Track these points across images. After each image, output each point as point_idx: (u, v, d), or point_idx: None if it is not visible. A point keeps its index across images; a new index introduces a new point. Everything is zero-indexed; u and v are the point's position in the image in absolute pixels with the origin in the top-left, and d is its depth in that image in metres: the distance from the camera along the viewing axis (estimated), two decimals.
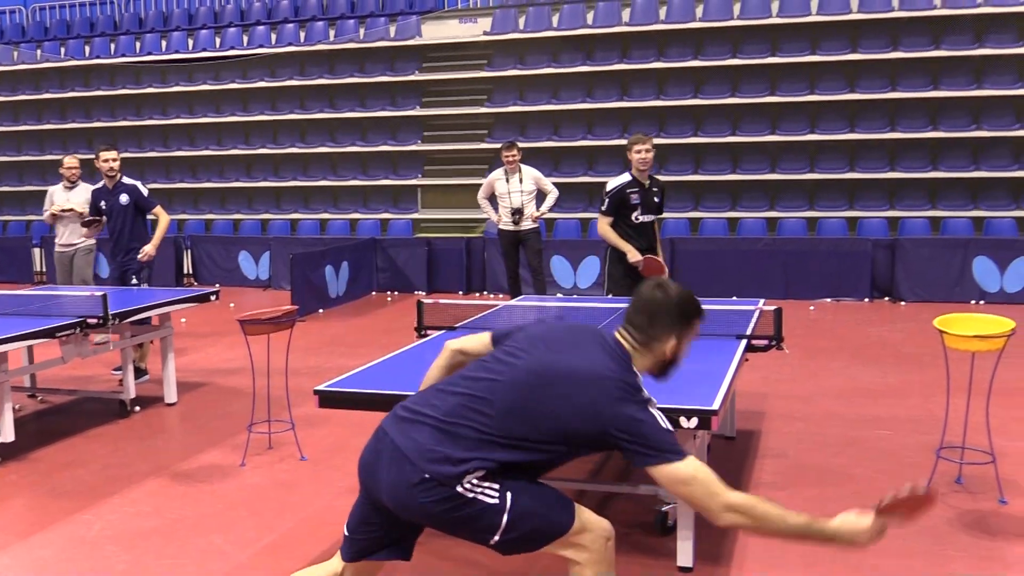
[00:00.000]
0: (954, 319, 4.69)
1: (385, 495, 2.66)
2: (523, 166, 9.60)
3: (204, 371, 7.96)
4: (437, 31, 14.73)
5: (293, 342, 5.80)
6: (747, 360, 4.61)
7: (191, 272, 13.67)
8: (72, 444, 5.94)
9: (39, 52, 16.59)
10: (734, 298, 8.78)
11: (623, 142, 8.59)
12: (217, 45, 15.79)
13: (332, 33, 15.30)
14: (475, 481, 2.58)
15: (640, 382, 2.71)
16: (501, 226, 9.70)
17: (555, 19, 14.14)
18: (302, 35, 15.45)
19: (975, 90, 12.08)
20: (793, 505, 4.59)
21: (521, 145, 9.98)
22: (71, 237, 8.47)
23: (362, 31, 15.04)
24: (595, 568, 2.67)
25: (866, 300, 11.01)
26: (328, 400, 3.84)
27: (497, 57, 14.31)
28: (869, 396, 6.68)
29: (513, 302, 6.34)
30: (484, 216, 10.68)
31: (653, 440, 2.57)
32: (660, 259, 6.78)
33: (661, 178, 7.41)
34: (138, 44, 16.34)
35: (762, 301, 5.81)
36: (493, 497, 2.59)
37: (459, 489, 2.57)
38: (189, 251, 13.69)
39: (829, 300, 11.03)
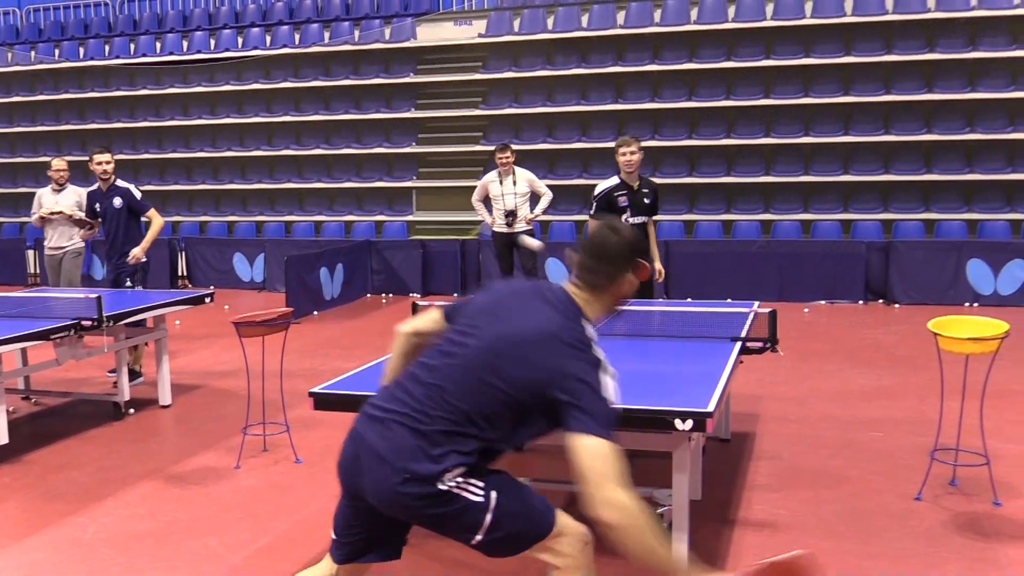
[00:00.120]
0: (948, 321, 4.70)
1: (371, 497, 2.65)
2: (517, 168, 9.59)
3: (199, 373, 7.95)
4: (432, 33, 14.74)
5: (288, 344, 5.79)
6: (742, 362, 4.61)
7: (185, 274, 13.65)
8: (66, 446, 5.93)
9: (33, 54, 16.57)
10: (728, 300, 8.81)
11: None
12: (212, 47, 15.78)
13: (327, 35, 15.30)
14: (459, 479, 2.57)
15: (592, 336, 2.65)
16: (495, 228, 9.70)
17: (550, 22, 14.16)
18: (297, 37, 15.45)
19: (969, 93, 12.12)
20: (788, 507, 4.62)
21: (516, 147, 9.99)
22: (59, 240, 8.42)
23: (357, 33, 15.04)
24: (574, 573, 2.66)
25: (860, 302, 11.03)
26: (323, 402, 3.83)
27: (492, 59, 14.32)
28: (863, 398, 6.69)
29: None
30: (479, 218, 10.68)
31: (588, 404, 2.49)
32: (645, 262, 6.72)
33: (656, 180, 7.41)
34: (132, 46, 16.32)
35: (756, 303, 5.82)
36: (477, 495, 2.58)
37: (441, 486, 2.56)
38: (183, 253, 13.67)
39: (823, 302, 11.05)
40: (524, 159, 10.87)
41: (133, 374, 7.40)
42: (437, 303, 3.03)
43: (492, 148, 11.15)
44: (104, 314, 5.89)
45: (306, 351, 8.75)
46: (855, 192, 12.49)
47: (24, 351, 6.75)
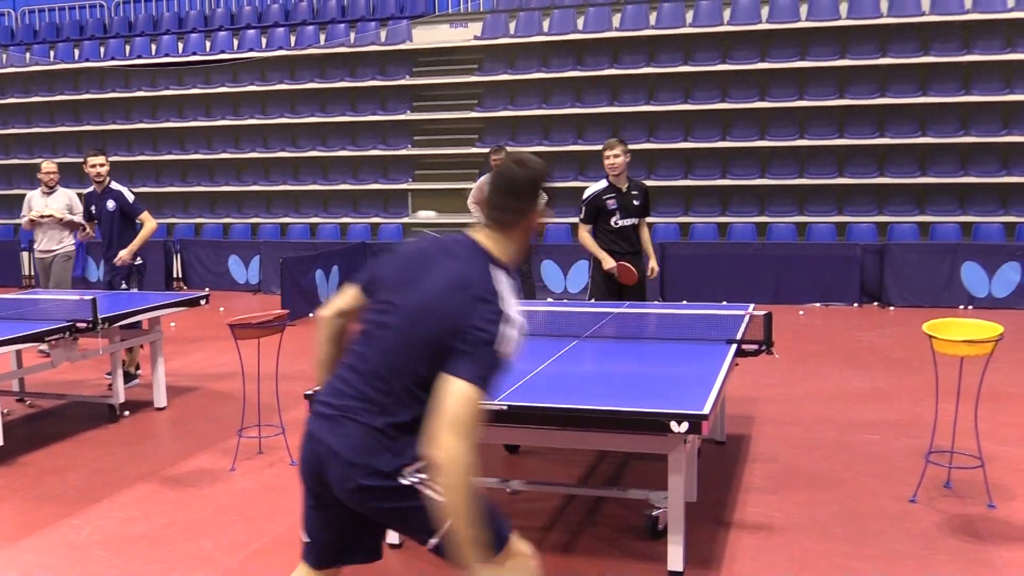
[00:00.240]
0: (943, 324, 4.72)
1: (337, 492, 2.65)
2: None
3: (194, 375, 7.94)
4: (428, 36, 14.74)
5: (283, 347, 5.79)
6: (737, 365, 4.63)
7: (181, 276, 13.62)
8: (61, 449, 5.92)
9: (28, 55, 16.54)
10: (724, 303, 8.82)
11: None
12: (207, 49, 15.76)
13: (323, 37, 15.30)
14: (423, 475, 2.57)
15: (501, 284, 2.63)
16: None
17: (545, 24, 14.18)
18: (293, 39, 15.44)
19: (963, 96, 12.15)
20: (784, 509, 4.63)
21: (511, 149, 9.99)
22: (49, 244, 8.39)
23: (353, 35, 15.04)
24: None
25: (855, 305, 11.05)
26: None
27: (487, 62, 14.32)
28: (858, 400, 6.71)
29: None
30: (474, 220, 10.68)
31: (478, 352, 2.50)
32: (631, 265, 6.72)
33: (651, 183, 7.42)
34: (127, 48, 16.30)
35: (752, 306, 5.83)
36: (439, 495, 2.55)
37: (403, 481, 2.56)
38: (179, 255, 13.64)
39: (818, 305, 11.07)
40: None
41: (128, 376, 7.39)
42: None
43: (487, 150, 11.17)
44: (99, 316, 5.89)
45: (301, 353, 8.71)
46: (850, 195, 12.51)
47: (19, 353, 6.74)
